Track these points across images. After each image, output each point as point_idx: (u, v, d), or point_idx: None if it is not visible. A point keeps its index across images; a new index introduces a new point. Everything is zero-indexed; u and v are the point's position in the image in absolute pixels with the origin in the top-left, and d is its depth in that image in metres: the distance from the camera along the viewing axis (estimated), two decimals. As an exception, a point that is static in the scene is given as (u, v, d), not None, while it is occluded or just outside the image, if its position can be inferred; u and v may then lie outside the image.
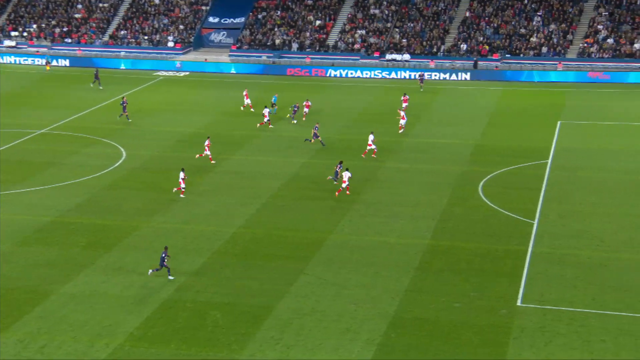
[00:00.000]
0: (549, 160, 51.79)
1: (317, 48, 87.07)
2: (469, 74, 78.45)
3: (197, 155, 52.51)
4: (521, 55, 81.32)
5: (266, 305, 33.55)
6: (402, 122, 58.21)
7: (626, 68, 76.90)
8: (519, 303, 33.42)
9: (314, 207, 44.68)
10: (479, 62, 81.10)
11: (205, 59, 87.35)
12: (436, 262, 37.62)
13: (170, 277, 35.99)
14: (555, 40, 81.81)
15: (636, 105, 66.40)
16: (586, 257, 37.61)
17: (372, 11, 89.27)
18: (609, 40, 79.94)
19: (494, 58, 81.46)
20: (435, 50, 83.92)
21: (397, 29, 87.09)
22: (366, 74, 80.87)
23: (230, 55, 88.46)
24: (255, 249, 39.30)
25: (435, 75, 79.16)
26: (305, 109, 62.09)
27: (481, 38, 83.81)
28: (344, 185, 45.84)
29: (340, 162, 47.67)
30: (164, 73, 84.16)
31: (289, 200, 45.81)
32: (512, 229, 40.98)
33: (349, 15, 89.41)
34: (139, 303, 33.68)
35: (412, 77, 79.53)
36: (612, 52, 79.13)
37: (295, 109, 61.68)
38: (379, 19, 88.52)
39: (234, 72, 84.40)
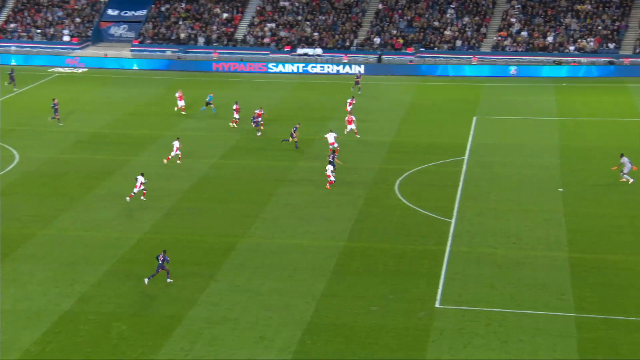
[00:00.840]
0: (466, 157, 53.03)
1: (225, 42, 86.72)
2: (362, 67, 79.43)
3: (165, 160, 51.87)
4: (435, 48, 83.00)
5: (175, 315, 33.24)
6: (351, 126, 56.67)
7: (539, 62, 79.43)
8: (437, 305, 34.11)
9: (224, 209, 44.49)
10: (391, 57, 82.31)
11: (105, 54, 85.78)
12: (352, 265, 38.03)
13: (169, 280, 35.87)
14: (469, 33, 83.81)
15: (550, 99, 68.62)
16: (503, 255, 38.69)
17: (281, 3, 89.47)
18: (522, 34, 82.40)
19: (408, 52, 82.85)
20: (348, 44, 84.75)
21: (308, 22, 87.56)
22: (277, 68, 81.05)
23: (132, 51, 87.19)
24: (163, 255, 38.93)
25: (348, 70, 79.98)
26: (258, 118, 58.58)
27: (395, 31, 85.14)
28: (331, 178, 47.02)
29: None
30: (60, 69, 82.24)
31: (198, 203, 45.50)
32: (429, 228, 41.79)
33: (258, 8, 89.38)
34: (35, 317, 32.88)
35: (329, 72, 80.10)
36: (526, 46, 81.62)
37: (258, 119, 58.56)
38: (289, 11, 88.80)
39: (137, 68, 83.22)
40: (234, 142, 56.43)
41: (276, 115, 63.95)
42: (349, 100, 62.28)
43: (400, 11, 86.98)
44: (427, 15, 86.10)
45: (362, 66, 79.96)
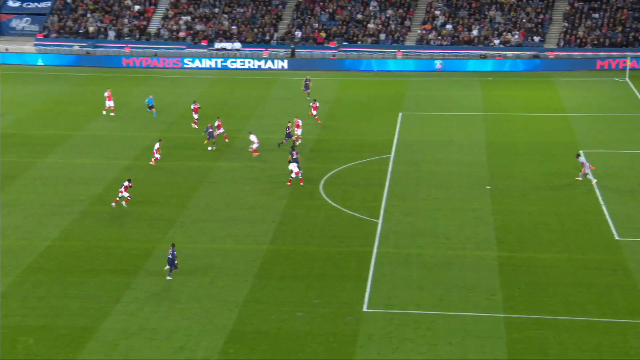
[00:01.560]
0: (392, 155, 53.58)
1: (138, 37, 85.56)
2: (286, 62, 79.56)
3: (152, 161, 51.19)
4: (359, 42, 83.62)
5: (88, 326, 32.68)
6: (298, 131, 55.04)
7: (465, 56, 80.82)
8: (364, 308, 34.36)
9: (140, 214, 43.97)
10: (313, 51, 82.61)
11: (6, 49, 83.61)
12: (276, 269, 38.00)
13: (169, 278, 36.42)
14: (393, 26, 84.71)
15: (476, 94, 69.88)
16: (432, 255, 39.22)
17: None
18: (447, 27, 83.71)
19: (330, 46, 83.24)
20: (268, 38, 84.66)
21: (225, 15, 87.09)
22: (194, 64, 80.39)
23: (36, 45, 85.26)
24: (74, 263, 38.17)
25: (271, 65, 79.88)
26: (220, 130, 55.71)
27: (316, 24, 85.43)
28: (296, 175, 47.20)
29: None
30: (-42, 65, 79.86)
31: (112, 207, 44.79)
32: (356, 229, 42.07)
33: (172, 0, 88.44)
34: (-63, 333, 31.82)
35: (250, 67, 79.83)
36: (451, 39, 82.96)
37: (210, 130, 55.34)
38: (205, 4, 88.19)
39: (42, 63, 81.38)
40: (149, 143, 55.72)
41: (190, 113, 63.38)
42: (312, 104, 60.64)
43: (321, 4, 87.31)
44: (349, 8, 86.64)
45: (285, 61, 79.93)
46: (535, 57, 79.82)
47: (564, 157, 52.64)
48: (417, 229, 42.17)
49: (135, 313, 33.83)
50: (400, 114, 63.00)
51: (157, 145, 51.58)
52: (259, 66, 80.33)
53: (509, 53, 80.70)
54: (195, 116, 59.43)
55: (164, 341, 31.80)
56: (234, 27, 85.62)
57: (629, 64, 73.81)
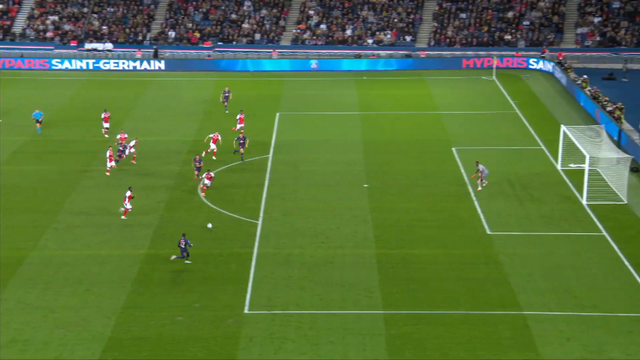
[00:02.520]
0: (270, 155, 53.71)
1: (1, 37, 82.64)
2: (163, 62, 78.75)
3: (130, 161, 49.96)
4: (234, 42, 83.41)
5: (-43, 342, 31.41)
6: (214, 146, 52.63)
7: (340, 55, 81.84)
8: (246, 310, 34.37)
9: (10, 220, 42.64)
10: (188, 51, 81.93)
11: None
12: (156, 274, 37.52)
13: (173, 257, 38.02)
14: (267, 26, 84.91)
15: (351, 93, 70.85)
16: (312, 255, 39.57)
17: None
18: (321, 27, 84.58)
19: (205, 46, 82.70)
20: (140, 38, 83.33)
21: (95, 15, 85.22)
22: (63, 65, 78.28)
23: None
24: (-60, 275, 36.66)
25: (147, 66, 78.67)
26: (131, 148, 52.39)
27: (190, 24, 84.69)
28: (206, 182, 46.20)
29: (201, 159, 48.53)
30: None
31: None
32: (235, 231, 42.00)
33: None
34: None
35: (124, 68, 78.34)
36: (325, 39, 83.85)
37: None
38: (73, 3, 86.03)
39: None
40: (17, 147, 54.02)
41: (64, 116, 61.81)
42: (239, 116, 57.90)
43: (194, 3, 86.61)
44: (223, 8, 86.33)
45: (163, 62, 78.79)
46: (408, 56, 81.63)
47: (438, 155, 54.09)
48: (297, 228, 42.44)
49: (7, 324, 32.77)
50: (277, 114, 63.24)
51: (132, 142, 51.11)
52: (135, 67, 78.92)
53: (382, 52, 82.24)
54: (106, 125, 57.12)
55: (38, 352, 30.93)
56: (104, 27, 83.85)
57: (495, 63, 76.48)
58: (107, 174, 49.30)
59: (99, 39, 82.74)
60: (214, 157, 52.27)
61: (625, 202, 45.85)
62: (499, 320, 33.80)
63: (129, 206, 43.23)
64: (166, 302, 34.87)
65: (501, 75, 75.12)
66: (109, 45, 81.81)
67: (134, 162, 51.36)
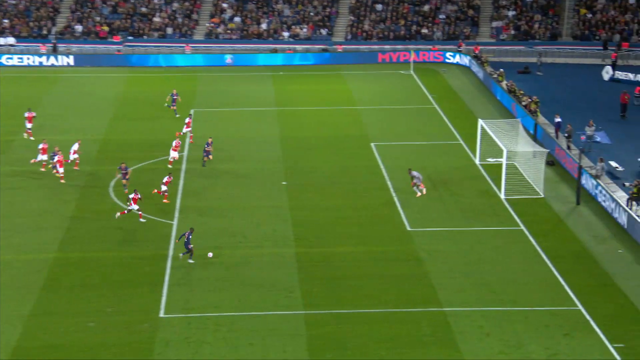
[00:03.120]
0: (185, 153, 53.00)
1: None
2: (72, 58, 77.16)
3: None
4: (145, 37, 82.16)
5: None
6: (174, 154, 50.72)
7: (255, 50, 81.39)
8: (161, 314, 33.84)
9: None
10: (96, 46, 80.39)
11: None
12: (66, 278, 36.68)
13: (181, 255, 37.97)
14: (180, 20, 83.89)
15: (268, 88, 70.52)
16: (230, 255, 39.24)
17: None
18: (235, 20, 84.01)
19: (115, 41, 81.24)
20: (45, 32, 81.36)
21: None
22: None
23: None
24: None
25: (54, 61, 76.83)
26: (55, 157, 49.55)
27: (98, 18, 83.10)
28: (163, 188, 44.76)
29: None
30: None
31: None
32: (150, 232, 41.38)
33: None
34: None
35: (29, 64, 76.30)
36: (240, 33, 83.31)
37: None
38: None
39: None
40: None
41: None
42: (187, 120, 56.02)
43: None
44: (132, 1, 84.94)
45: (71, 57, 76.95)
46: (325, 50, 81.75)
47: (357, 151, 54.30)
48: (213, 228, 42.03)
49: None
50: (192, 111, 62.49)
51: (75, 146, 49.48)
52: (40, 62, 76.93)
53: (298, 47, 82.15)
54: (29, 125, 55.03)
55: (-59, 365, 29.84)
56: (5, 20, 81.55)
57: (412, 57, 77.24)
58: (62, 181, 47.56)
59: (0, 33, 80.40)
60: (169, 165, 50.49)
61: (542, 195, 46.83)
62: (421, 317, 34.09)
63: (135, 207, 42.23)
64: (77, 308, 34.10)
65: (419, 70, 75.92)
66: (11, 40, 79.57)
67: (77, 169, 49.56)
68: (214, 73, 75.86)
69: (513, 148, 48.48)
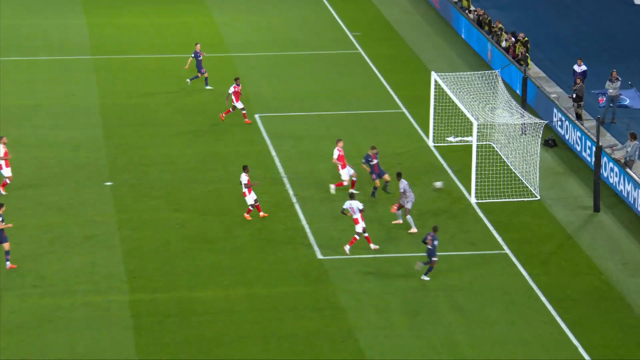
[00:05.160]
0: None
1: None
2: None
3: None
4: None
5: None
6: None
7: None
8: None
9: None
10: None
11: None
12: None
13: None
14: None
15: (76, 23, 71.76)
16: (14, 311, 38.80)
17: None
18: None
19: None
20: None
21: None
22: None
23: None
24: None
25: None
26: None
27: None
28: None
29: None
30: None
31: None
32: None
33: None
34: None
35: None
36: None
37: None
38: None
39: None
40: None
41: None
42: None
43: None
44: None
45: None
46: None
47: (231, 127, 54.29)
48: (-12, 263, 41.50)
49: None
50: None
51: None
52: None
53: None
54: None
55: None
56: None
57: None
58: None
59: None
60: None
61: (538, 197, 47.36)
62: None
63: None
64: None
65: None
66: None
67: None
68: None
69: (489, 119, 48.89)
